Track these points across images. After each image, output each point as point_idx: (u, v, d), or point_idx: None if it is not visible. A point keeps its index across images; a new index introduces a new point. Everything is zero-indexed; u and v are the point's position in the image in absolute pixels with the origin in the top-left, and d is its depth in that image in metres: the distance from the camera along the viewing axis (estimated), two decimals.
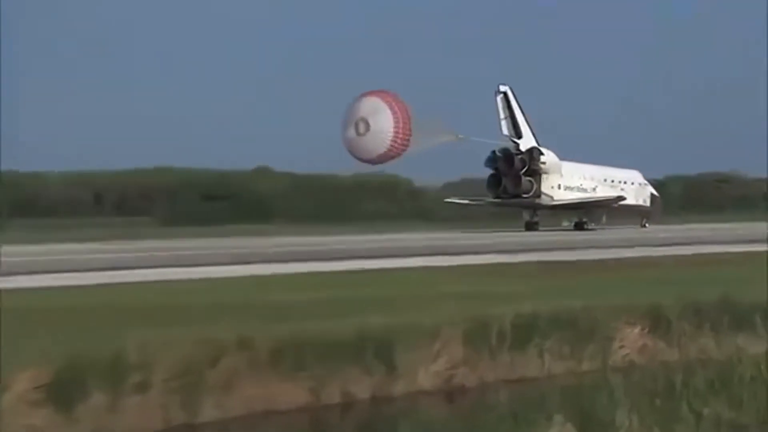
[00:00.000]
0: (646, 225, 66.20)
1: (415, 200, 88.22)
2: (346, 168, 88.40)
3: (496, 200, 64.55)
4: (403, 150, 59.69)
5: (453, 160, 64.91)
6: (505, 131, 64.37)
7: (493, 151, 64.41)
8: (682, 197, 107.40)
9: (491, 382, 16.35)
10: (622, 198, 65.23)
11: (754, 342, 18.08)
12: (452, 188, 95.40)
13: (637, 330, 17.83)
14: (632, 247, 38.92)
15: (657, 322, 18.06)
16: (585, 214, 65.25)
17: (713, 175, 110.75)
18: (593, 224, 64.35)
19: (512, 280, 24.04)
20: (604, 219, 65.97)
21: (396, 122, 59.50)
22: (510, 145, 64.10)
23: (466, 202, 67.62)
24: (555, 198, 64.56)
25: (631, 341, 17.71)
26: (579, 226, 63.96)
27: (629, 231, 58.91)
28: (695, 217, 74.52)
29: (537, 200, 64.12)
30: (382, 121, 59.20)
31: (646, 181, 69.07)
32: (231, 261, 31.19)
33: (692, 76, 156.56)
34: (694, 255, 34.18)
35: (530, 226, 64.10)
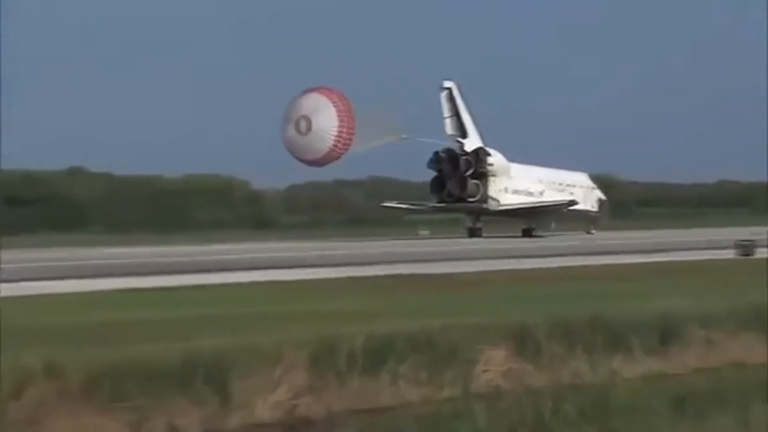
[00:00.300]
0: (592, 232, 69.07)
1: (254, 206, 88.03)
2: (174, 169, 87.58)
3: (439, 205, 66.17)
4: (345, 150, 61.63)
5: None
6: (450, 130, 66.14)
7: (436, 152, 65.95)
8: None
9: (339, 412, 16.44)
10: (574, 203, 67.53)
11: (630, 364, 18.67)
12: (298, 190, 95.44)
13: (502, 352, 18.16)
14: (529, 257, 39.73)
15: (524, 343, 18.42)
16: (533, 219, 66.90)
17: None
18: (541, 231, 66.46)
19: (366, 297, 24.21)
20: (553, 225, 68.27)
21: (340, 121, 61.06)
22: (455, 146, 65.90)
23: (405, 206, 69.17)
24: (502, 202, 66.15)
25: (495, 365, 18.02)
26: (527, 233, 65.83)
27: (573, 238, 61.23)
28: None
29: (484, 205, 65.84)
30: (324, 120, 60.96)
31: (593, 185, 72.12)
32: (37, 276, 30.59)
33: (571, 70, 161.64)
34: (564, 267, 35.04)
35: (473, 233, 65.86)
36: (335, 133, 60.94)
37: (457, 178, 65.16)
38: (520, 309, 21.24)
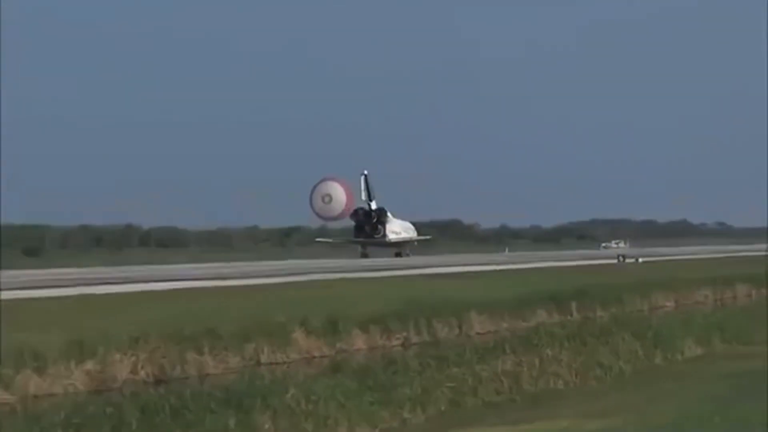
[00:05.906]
0: (409, 254, 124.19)
1: None
2: None
3: (357, 240, 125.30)
4: (348, 212, 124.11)
5: None
6: (364, 197, 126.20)
7: (355, 210, 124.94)
8: None
9: None
10: (427, 239, 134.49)
11: None
12: None
13: None
14: None
15: None
16: (400, 247, 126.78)
17: None
18: (408, 253, 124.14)
19: None
20: (408, 251, 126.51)
21: (347, 197, 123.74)
22: (365, 206, 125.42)
23: (330, 240, 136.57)
24: (390, 238, 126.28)
25: None
26: (398, 255, 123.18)
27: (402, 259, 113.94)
28: None
29: (384, 239, 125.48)
30: (339, 196, 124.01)
31: (413, 227, 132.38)
32: None
33: None
34: None
35: (364, 255, 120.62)
36: (344, 204, 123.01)
37: (370, 224, 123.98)
38: None
